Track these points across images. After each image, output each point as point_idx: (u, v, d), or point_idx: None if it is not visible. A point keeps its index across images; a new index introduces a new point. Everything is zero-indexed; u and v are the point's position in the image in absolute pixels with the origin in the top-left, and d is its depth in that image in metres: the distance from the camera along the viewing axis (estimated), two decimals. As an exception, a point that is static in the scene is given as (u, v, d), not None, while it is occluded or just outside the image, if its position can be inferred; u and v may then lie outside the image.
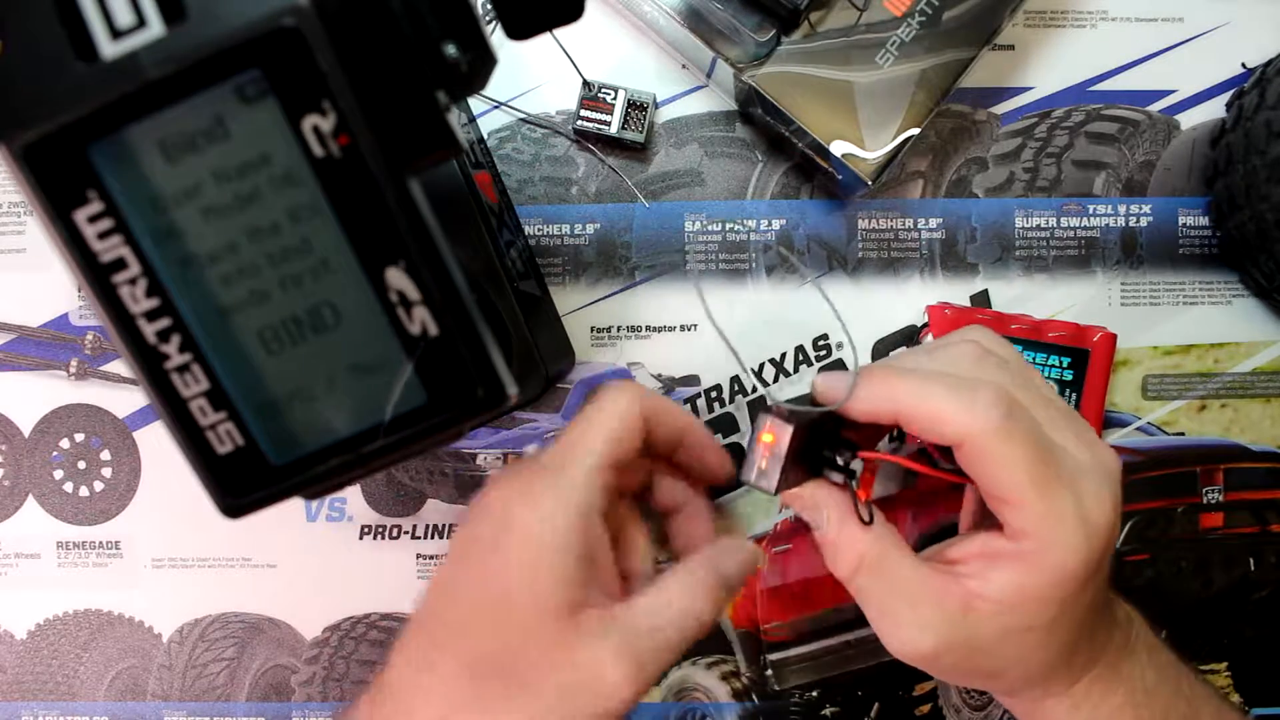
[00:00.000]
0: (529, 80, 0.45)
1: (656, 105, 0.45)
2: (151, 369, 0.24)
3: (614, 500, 0.31)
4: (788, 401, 0.30)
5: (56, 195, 0.23)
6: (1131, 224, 0.46)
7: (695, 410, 0.45)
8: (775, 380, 0.45)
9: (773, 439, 0.29)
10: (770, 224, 0.45)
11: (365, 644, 0.46)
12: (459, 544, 0.30)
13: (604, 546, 0.30)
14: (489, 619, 0.28)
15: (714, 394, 0.45)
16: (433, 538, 0.46)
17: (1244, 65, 0.46)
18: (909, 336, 0.45)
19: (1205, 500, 0.45)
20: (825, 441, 0.31)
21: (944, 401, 0.28)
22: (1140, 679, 0.32)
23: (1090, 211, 0.46)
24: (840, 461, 0.31)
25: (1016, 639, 0.29)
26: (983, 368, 0.30)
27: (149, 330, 0.24)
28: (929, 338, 0.43)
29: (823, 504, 0.30)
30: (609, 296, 0.45)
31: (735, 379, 0.45)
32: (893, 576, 0.29)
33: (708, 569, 0.30)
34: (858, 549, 0.30)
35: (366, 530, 0.46)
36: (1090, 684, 0.31)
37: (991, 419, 0.27)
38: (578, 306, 0.45)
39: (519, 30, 0.27)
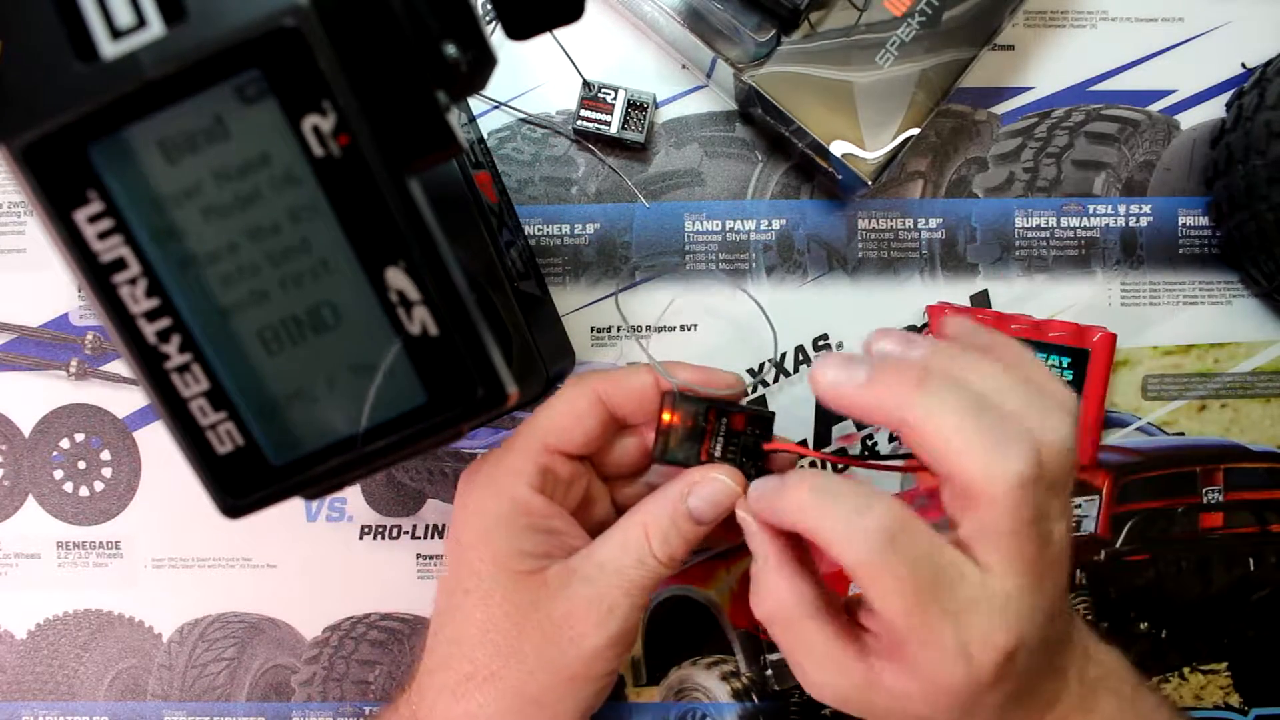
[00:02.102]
0: (529, 80, 0.45)
1: (656, 105, 0.45)
2: (151, 369, 0.24)
3: (575, 472, 0.34)
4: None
5: (56, 195, 0.23)
6: (1131, 224, 0.46)
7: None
8: (775, 380, 0.45)
9: (669, 418, 0.33)
10: (770, 224, 0.45)
11: (365, 644, 0.46)
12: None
13: (560, 515, 0.33)
14: (460, 597, 0.32)
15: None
16: (433, 538, 0.46)
17: (1244, 65, 0.46)
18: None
19: (1205, 500, 0.45)
20: (757, 437, 0.33)
21: (830, 528, 0.27)
22: None
23: (1090, 211, 0.46)
24: (745, 460, 0.33)
25: None
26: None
27: (149, 330, 0.24)
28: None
29: (763, 545, 0.30)
30: (609, 296, 0.45)
31: (735, 379, 0.45)
32: (802, 636, 0.29)
33: (670, 503, 0.32)
34: (778, 599, 0.29)
35: (366, 530, 0.46)
36: None
37: (865, 549, 0.26)
38: (578, 306, 0.45)
39: (519, 30, 0.27)
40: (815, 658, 0.29)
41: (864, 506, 0.27)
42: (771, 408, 0.45)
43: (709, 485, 0.32)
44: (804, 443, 0.45)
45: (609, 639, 0.31)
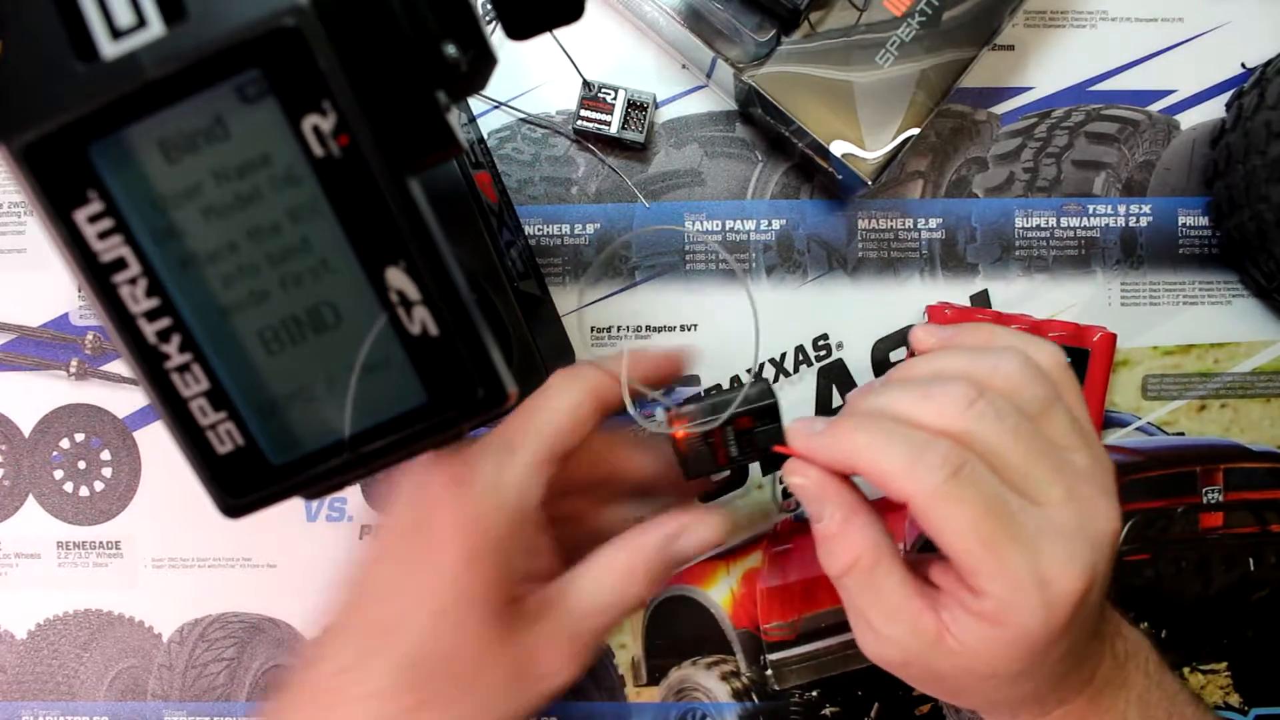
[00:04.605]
0: (529, 80, 0.45)
1: (656, 105, 0.45)
2: (151, 369, 0.24)
3: (560, 482, 0.30)
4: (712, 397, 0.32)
5: (56, 195, 0.23)
6: (1131, 224, 0.46)
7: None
8: (775, 380, 0.45)
9: (680, 437, 0.32)
10: (770, 224, 0.45)
11: (365, 644, 0.45)
12: (387, 536, 0.29)
13: (544, 534, 0.30)
14: (426, 618, 0.27)
15: (714, 393, 0.45)
16: (433, 538, 0.46)
17: (1244, 65, 0.46)
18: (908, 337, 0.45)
19: (1205, 500, 0.45)
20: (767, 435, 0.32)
21: (891, 461, 0.27)
22: (1121, 715, 0.31)
23: (1090, 211, 0.46)
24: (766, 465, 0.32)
25: (979, 679, 0.28)
26: (968, 415, 0.28)
27: (149, 330, 0.24)
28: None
29: (828, 498, 0.29)
30: (609, 296, 0.45)
31: (735, 378, 0.45)
32: (879, 588, 0.29)
33: (654, 543, 0.30)
34: (854, 551, 0.29)
35: (366, 530, 0.46)
36: (1064, 716, 0.30)
37: (931, 482, 0.26)
38: (578, 306, 0.45)
39: (519, 30, 0.27)
40: (887, 610, 0.28)
41: (925, 442, 0.27)
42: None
43: (701, 530, 0.31)
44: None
45: (577, 673, 0.29)
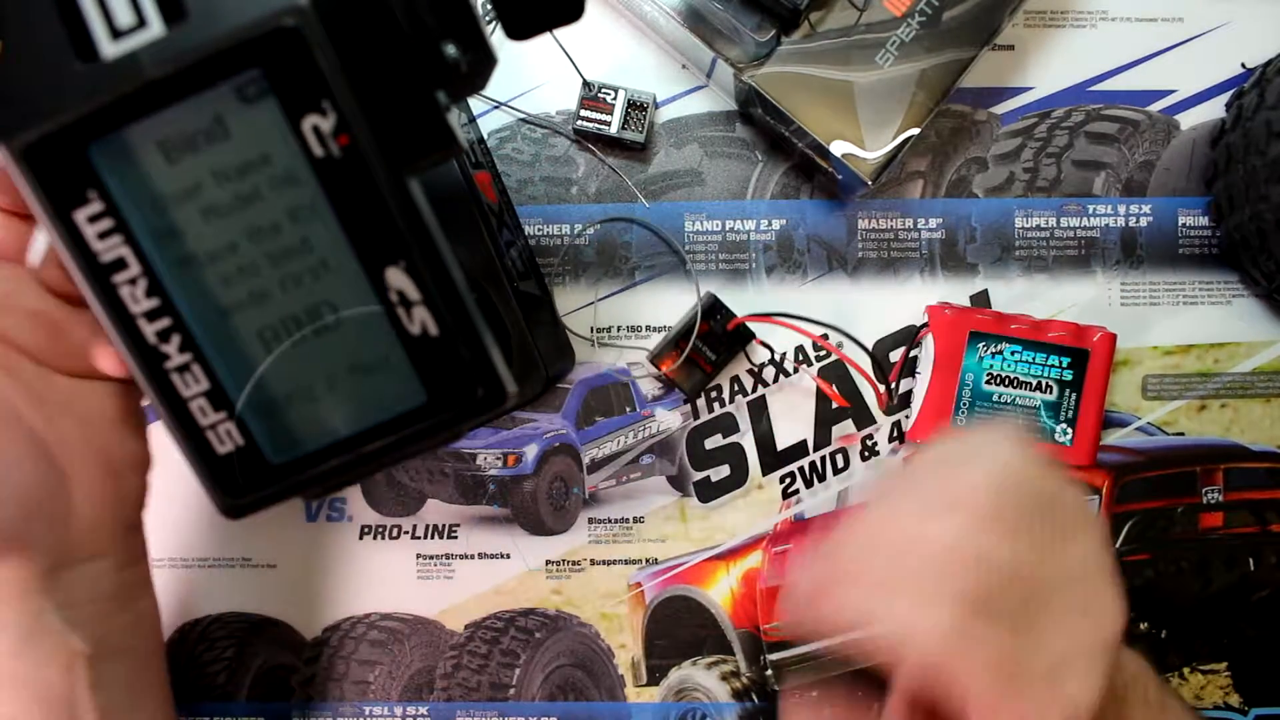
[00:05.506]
0: (529, 80, 0.45)
1: (656, 105, 0.45)
2: (151, 369, 0.24)
3: None
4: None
5: (56, 195, 0.23)
6: (1131, 224, 0.46)
7: (695, 411, 0.45)
8: (775, 380, 0.45)
9: (666, 367, 0.43)
10: (770, 224, 0.45)
11: (365, 644, 0.46)
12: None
13: None
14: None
15: (714, 394, 0.45)
16: (433, 538, 0.46)
17: (1244, 65, 0.46)
18: (909, 336, 0.45)
19: (1205, 500, 0.45)
20: None
21: (893, 622, 0.27)
22: None
23: (1090, 211, 0.46)
24: None
25: None
26: (976, 560, 0.27)
27: (149, 330, 0.24)
28: (929, 338, 0.43)
29: None
30: (609, 296, 0.45)
31: (735, 379, 0.45)
32: None
33: None
34: None
35: (366, 530, 0.46)
36: None
37: (938, 634, 0.26)
38: (578, 306, 0.45)
39: (519, 30, 0.27)
40: None
41: (933, 595, 0.26)
42: (772, 407, 0.45)
43: None
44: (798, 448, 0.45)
45: None
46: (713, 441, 0.45)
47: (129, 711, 0.33)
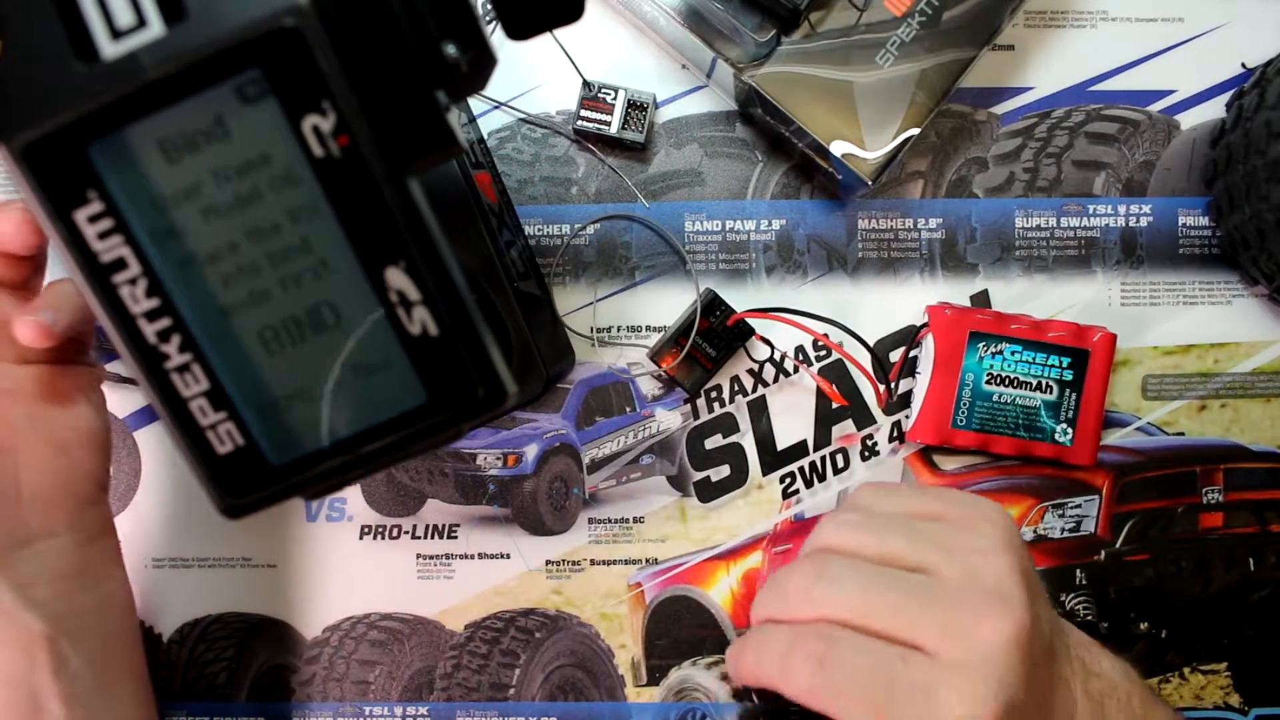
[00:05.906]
0: (529, 80, 0.45)
1: (656, 105, 0.45)
2: (151, 369, 0.24)
3: None
4: None
5: (56, 195, 0.23)
6: (1131, 224, 0.46)
7: (695, 411, 0.45)
8: (775, 380, 0.45)
9: (667, 365, 0.43)
10: (770, 224, 0.45)
11: (365, 644, 0.46)
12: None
13: None
14: None
15: (714, 394, 0.45)
16: (433, 538, 0.46)
17: (1244, 65, 0.46)
18: (909, 336, 0.45)
19: (1205, 500, 0.45)
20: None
21: (770, 675, 0.28)
22: None
23: (1090, 211, 0.46)
24: None
25: None
26: (814, 594, 0.29)
27: (149, 330, 0.24)
28: (929, 338, 0.43)
29: None
30: (609, 296, 0.45)
31: (735, 379, 0.45)
32: None
33: None
34: None
35: (366, 530, 0.46)
36: None
37: (805, 680, 0.27)
38: (578, 306, 0.45)
39: (519, 30, 0.27)
40: None
41: (788, 641, 0.28)
42: (772, 407, 0.45)
43: None
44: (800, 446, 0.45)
45: None
46: (713, 441, 0.45)
47: (98, 694, 0.32)
